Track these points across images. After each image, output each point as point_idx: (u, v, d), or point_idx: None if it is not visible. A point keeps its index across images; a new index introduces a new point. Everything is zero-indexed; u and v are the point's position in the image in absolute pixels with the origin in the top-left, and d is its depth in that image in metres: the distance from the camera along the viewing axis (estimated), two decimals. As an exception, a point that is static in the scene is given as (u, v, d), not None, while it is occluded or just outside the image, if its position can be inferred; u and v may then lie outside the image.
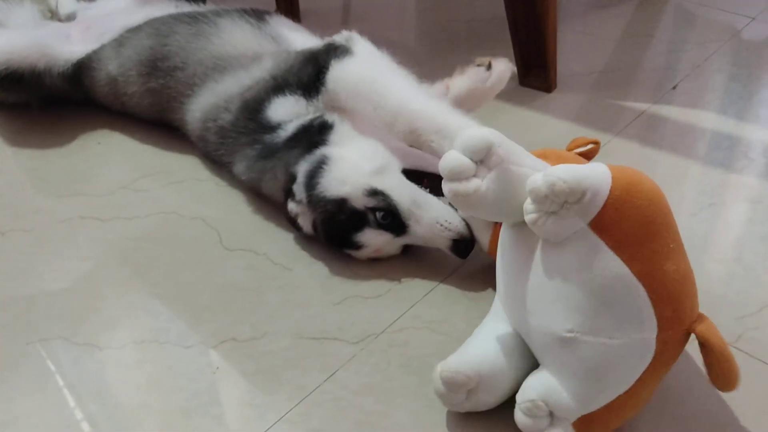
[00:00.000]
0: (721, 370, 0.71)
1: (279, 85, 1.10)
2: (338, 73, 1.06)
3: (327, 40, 1.14)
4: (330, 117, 1.07)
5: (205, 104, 1.18)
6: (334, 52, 1.09)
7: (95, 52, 1.32)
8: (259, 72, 1.14)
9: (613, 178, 0.68)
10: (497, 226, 0.92)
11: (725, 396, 0.82)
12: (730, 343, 0.87)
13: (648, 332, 0.70)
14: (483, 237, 0.96)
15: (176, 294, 1.00)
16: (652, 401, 0.80)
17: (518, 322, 0.79)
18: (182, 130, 1.25)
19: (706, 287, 0.95)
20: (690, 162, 1.21)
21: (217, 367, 0.89)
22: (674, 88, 1.40)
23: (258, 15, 1.29)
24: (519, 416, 0.76)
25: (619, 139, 1.26)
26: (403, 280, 1.00)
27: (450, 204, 0.95)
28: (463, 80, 1.16)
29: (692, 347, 0.75)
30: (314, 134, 1.05)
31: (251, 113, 1.10)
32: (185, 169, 1.24)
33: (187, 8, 1.35)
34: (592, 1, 1.76)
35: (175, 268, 1.04)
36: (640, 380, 0.72)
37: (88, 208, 1.16)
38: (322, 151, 1.03)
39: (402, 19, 1.81)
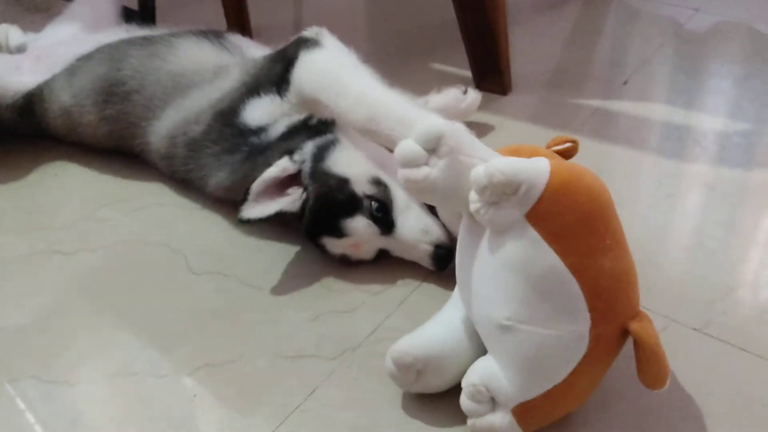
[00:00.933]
0: (650, 369, 0.73)
1: (252, 88, 1.10)
2: (305, 63, 1.07)
3: (296, 35, 1.14)
4: (308, 118, 1.08)
5: (171, 121, 1.16)
6: (303, 44, 1.09)
7: (46, 82, 1.29)
8: (228, 82, 1.14)
9: (551, 172, 0.70)
10: None
11: (700, 383, 0.84)
12: (699, 329, 0.90)
13: (581, 325, 0.72)
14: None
15: (146, 323, 0.98)
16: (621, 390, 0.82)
17: (468, 309, 0.82)
18: (143, 155, 1.23)
19: (671, 276, 0.98)
20: (645, 154, 1.24)
21: (195, 395, 0.88)
22: (625, 83, 1.43)
23: (214, 33, 1.29)
24: (463, 400, 0.78)
25: (576, 137, 1.26)
26: (376, 291, 1.00)
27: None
28: (441, 98, 1.27)
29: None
30: (319, 125, 1.06)
31: (226, 120, 1.10)
32: (146, 195, 1.22)
33: (139, 32, 1.33)
34: (539, 3, 1.79)
35: (143, 297, 1.02)
36: (575, 372, 0.73)
37: (49, 241, 1.13)
38: (335, 134, 1.05)
39: (354, 29, 1.82)
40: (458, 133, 0.78)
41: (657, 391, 0.74)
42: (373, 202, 1.00)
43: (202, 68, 1.20)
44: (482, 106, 1.38)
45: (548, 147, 0.97)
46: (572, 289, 0.70)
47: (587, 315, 0.71)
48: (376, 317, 0.96)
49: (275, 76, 1.09)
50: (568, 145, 0.93)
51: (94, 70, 1.26)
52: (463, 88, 1.29)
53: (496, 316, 0.74)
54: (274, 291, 1.02)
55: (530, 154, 0.85)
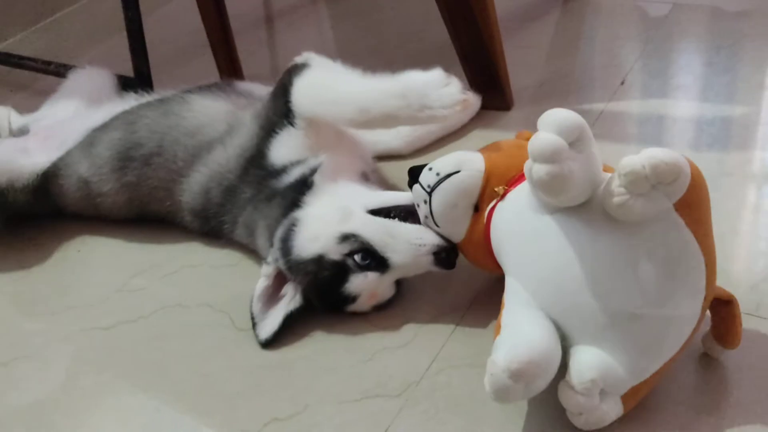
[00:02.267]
0: (737, 329, 0.82)
1: (268, 128, 1.13)
2: (298, 87, 1.10)
3: (289, 64, 1.19)
4: (314, 169, 1.09)
5: (202, 177, 1.17)
6: (295, 70, 1.13)
7: (61, 158, 1.29)
8: (247, 128, 1.16)
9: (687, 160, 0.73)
10: (473, 229, 0.94)
11: (759, 367, 0.85)
12: (751, 313, 0.92)
13: (699, 302, 0.77)
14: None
15: (204, 387, 0.98)
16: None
17: (560, 307, 0.80)
18: (169, 217, 1.23)
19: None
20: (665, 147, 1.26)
21: (268, 452, 0.88)
22: (622, 83, 1.45)
23: (223, 83, 1.34)
24: (573, 397, 0.78)
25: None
26: (425, 322, 1.01)
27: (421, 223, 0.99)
28: None
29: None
30: (297, 192, 1.07)
31: (257, 162, 1.12)
32: (176, 258, 1.22)
33: (147, 97, 1.34)
34: (521, 15, 1.82)
35: (195, 361, 1.02)
36: (681, 348, 0.79)
37: (86, 319, 1.13)
38: (294, 214, 1.05)
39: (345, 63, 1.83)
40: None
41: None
42: (355, 257, 0.98)
43: (217, 119, 1.22)
44: (488, 124, 1.41)
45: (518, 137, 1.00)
46: (701, 270, 0.75)
47: (704, 291, 0.76)
48: (431, 349, 0.97)
49: (280, 108, 1.12)
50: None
51: (111, 136, 1.26)
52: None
53: (626, 306, 0.76)
54: (323, 337, 1.02)
55: (511, 147, 0.93)
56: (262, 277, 1.04)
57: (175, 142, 1.21)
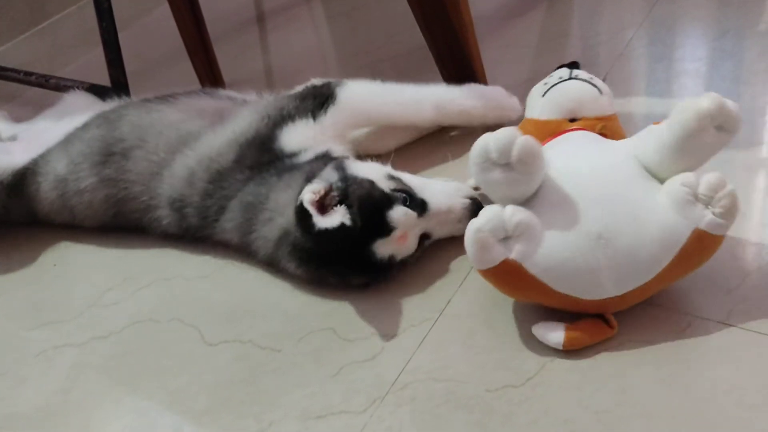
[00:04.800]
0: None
1: (279, 120, 1.17)
2: (350, 92, 1.21)
3: (306, 84, 1.28)
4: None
5: (190, 161, 1.17)
6: (333, 84, 1.23)
7: (41, 155, 1.29)
8: (246, 118, 1.19)
9: None
10: None
11: (733, 375, 0.83)
12: (722, 321, 0.90)
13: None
14: None
15: (171, 403, 0.97)
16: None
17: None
18: (145, 220, 1.22)
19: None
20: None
21: (231, 471, 0.87)
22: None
23: (205, 89, 1.36)
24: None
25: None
26: (393, 335, 1.00)
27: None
28: None
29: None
30: (331, 158, 1.13)
31: (263, 146, 1.15)
32: (149, 271, 1.22)
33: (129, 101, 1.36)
34: (504, 14, 1.80)
35: (164, 377, 1.01)
36: None
37: (60, 335, 1.13)
38: (342, 159, 1.12)
39: (326, 69, 1.82)
40: None
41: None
42: (399, 194, 1.04)
43: (204, 113, 1.23)
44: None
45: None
46: None
47: None
48: (398, 362, 0.95)
49: (308, 106, 1.19)
50: None
51: (91, 134, 1.26)
52: None
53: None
54: (292, 351, 1.01)
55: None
56: (309, 192, 0.99)
57: (158, 134, 1.21)
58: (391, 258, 1.03)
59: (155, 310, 1.13)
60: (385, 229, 1.01)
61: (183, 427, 0.94)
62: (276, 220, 1.08)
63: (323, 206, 1.01)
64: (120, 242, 1.28)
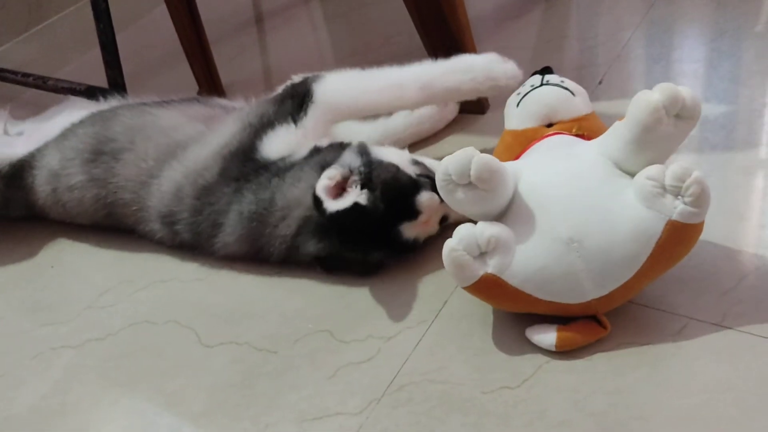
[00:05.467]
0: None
1: (260, 127, 1.14)
2: (326, 86, 1.16)
3: (286, 84, 1.22)
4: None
5: (176, 174, 1.16)
6: (309, 80, 1.18)
7: (38, 149, 1.30)
8: (229, 129, 1.17)
9: None
10: None
11: (728, 377, 0.83)
12: (717, 323, 0.90)
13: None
14: None
15: (168, 405, 0.97)
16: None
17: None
18: (138, 227, 1.22)
19: (682, 273, 0.97)
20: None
21: (227, 473, 0.87)
22: (600, 83, 1.43)
23: (200, 98, 1.36)
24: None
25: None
26: (390, 336, 1.00)
27: None
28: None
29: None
30: (343, 145, 1.11)
31: (245, 156, 1.13)
32: (146, 273, 1.22)
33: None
34: (501, 15, 1.80)
35: (160, 379, 1.01)
36: None
37: (57, 337, 1.13)
38: (364, 143, 1.10)
39: (323, 70, 1.82)
40: None
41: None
42: (424, 179, 1.05)
43: (194, 120, 1.23)
44: (464, 128, 1.39)
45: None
46: None
47: None
48: (394, 364, 0.95)
49: (288, 109, 1.15)
50: None
51: (85, 130, 1.27)
52: None
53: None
54: (288, 353, 1.01)
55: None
56: (324, 178, 1.01)
57: (147, 138, 1.21)
58: (416, 239, 1.06)
59: (152, 312, 1.13)
60: (412, 213, 1.03)
61: (180, 429, 0.94)
62: (292, 215, 1.08)
63: (343, 190, 1.02)
64: (117, 244, 1.28)
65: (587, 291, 0.87)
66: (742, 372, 0.84)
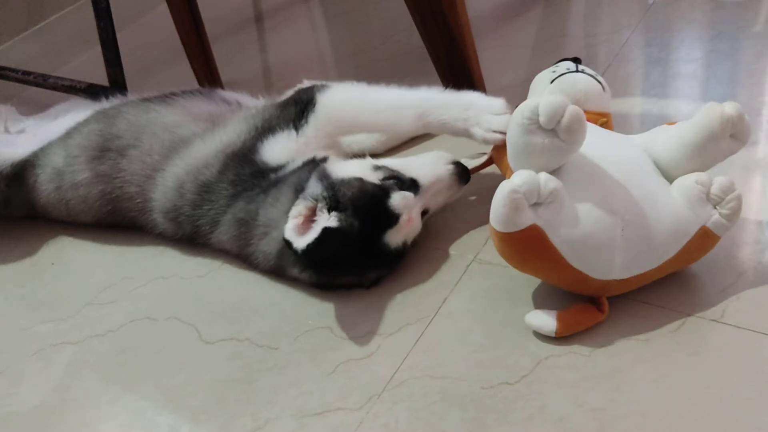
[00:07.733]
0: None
1: (263, 131, 1.15)
2: (329, 99, 1.16)
3: (295, 88, 1.24)
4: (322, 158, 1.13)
5: (178, 170, 1.17)
6: (314, 89, 1.18)
7: (41, 148, 1.30)
8: (235, 128, 1.18)
9: None
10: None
11: (728, 373, 0.84)
12: (716, 319, 0.90)
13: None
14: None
15: (168, 401, 0.97)
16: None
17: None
18: (141, 221, 1.22)
19: (682, 270, 0.98)
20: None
21: (228, 468, 0.87)
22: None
23: (204, 90, 1.36)
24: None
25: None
26: (389, 333, 1.00)
27: None
28: None
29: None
30: (315, 164, 1.11)
31: (245, 159, 1.13)
32: (146, 270, 1.22)
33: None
34: (501, 14, 1.81)
35: (160, 375, 1.02)
36: None
37: (57, 334, 1.13)
38: (323, 165, 1.09)
39: (323, 68, 1.83)
40: None
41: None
42: (390, 181, 1.05)
43: (199, 118, 1.23)
44: (463, 127, 1.39)
45: None
46: None
47: None
48: (394, 359, 0.96)
49: (290, 116, 1.15)
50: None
51: (90, 128, 1.28)
52: None
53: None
54: (288, 349, 1.01)
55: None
56: (291, 219, 0.99)
57: (152, 135, 1.22)
58: (404, 244, 1.05)
59: (152, 308, 1.14)
60: (391, 218, 1.03)
61: (180, 425, 0.94)
62: (271, 234, 1.08)
63: (314, 222, 0.99)
64: (117, 241, 1.29)
65: (614, 269, 0.89)
66: (741, 368, 0.84)
